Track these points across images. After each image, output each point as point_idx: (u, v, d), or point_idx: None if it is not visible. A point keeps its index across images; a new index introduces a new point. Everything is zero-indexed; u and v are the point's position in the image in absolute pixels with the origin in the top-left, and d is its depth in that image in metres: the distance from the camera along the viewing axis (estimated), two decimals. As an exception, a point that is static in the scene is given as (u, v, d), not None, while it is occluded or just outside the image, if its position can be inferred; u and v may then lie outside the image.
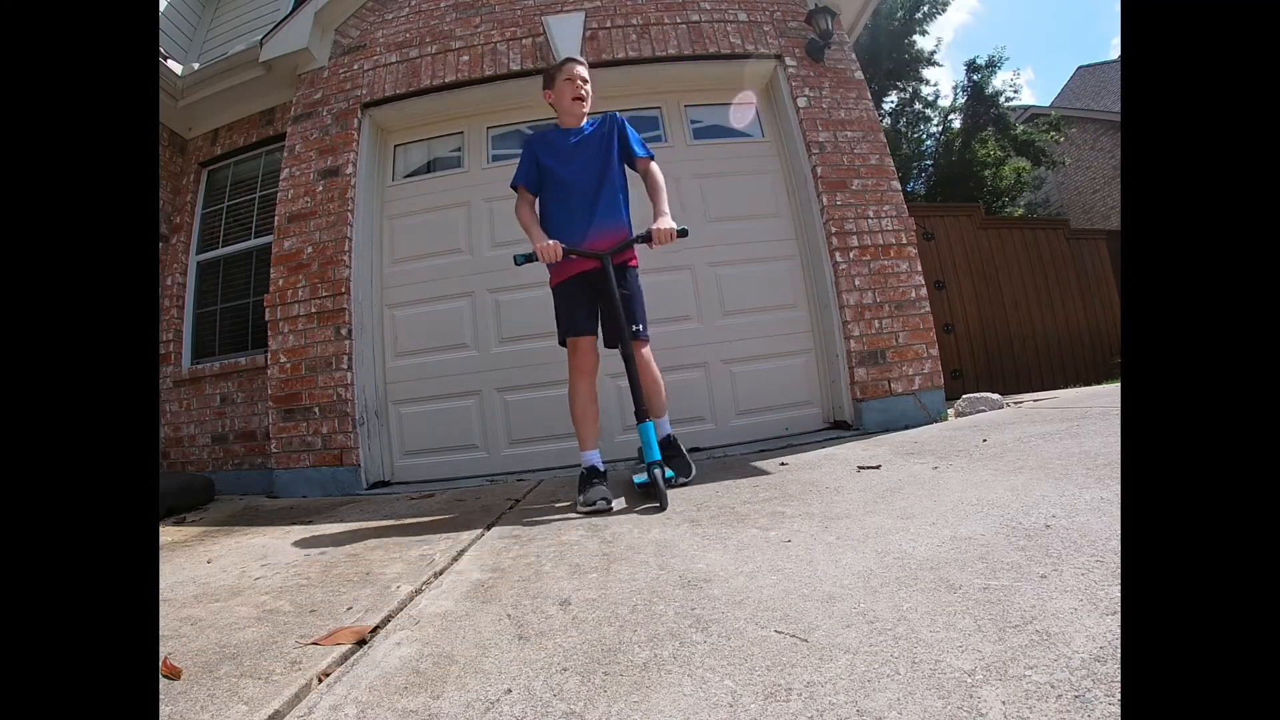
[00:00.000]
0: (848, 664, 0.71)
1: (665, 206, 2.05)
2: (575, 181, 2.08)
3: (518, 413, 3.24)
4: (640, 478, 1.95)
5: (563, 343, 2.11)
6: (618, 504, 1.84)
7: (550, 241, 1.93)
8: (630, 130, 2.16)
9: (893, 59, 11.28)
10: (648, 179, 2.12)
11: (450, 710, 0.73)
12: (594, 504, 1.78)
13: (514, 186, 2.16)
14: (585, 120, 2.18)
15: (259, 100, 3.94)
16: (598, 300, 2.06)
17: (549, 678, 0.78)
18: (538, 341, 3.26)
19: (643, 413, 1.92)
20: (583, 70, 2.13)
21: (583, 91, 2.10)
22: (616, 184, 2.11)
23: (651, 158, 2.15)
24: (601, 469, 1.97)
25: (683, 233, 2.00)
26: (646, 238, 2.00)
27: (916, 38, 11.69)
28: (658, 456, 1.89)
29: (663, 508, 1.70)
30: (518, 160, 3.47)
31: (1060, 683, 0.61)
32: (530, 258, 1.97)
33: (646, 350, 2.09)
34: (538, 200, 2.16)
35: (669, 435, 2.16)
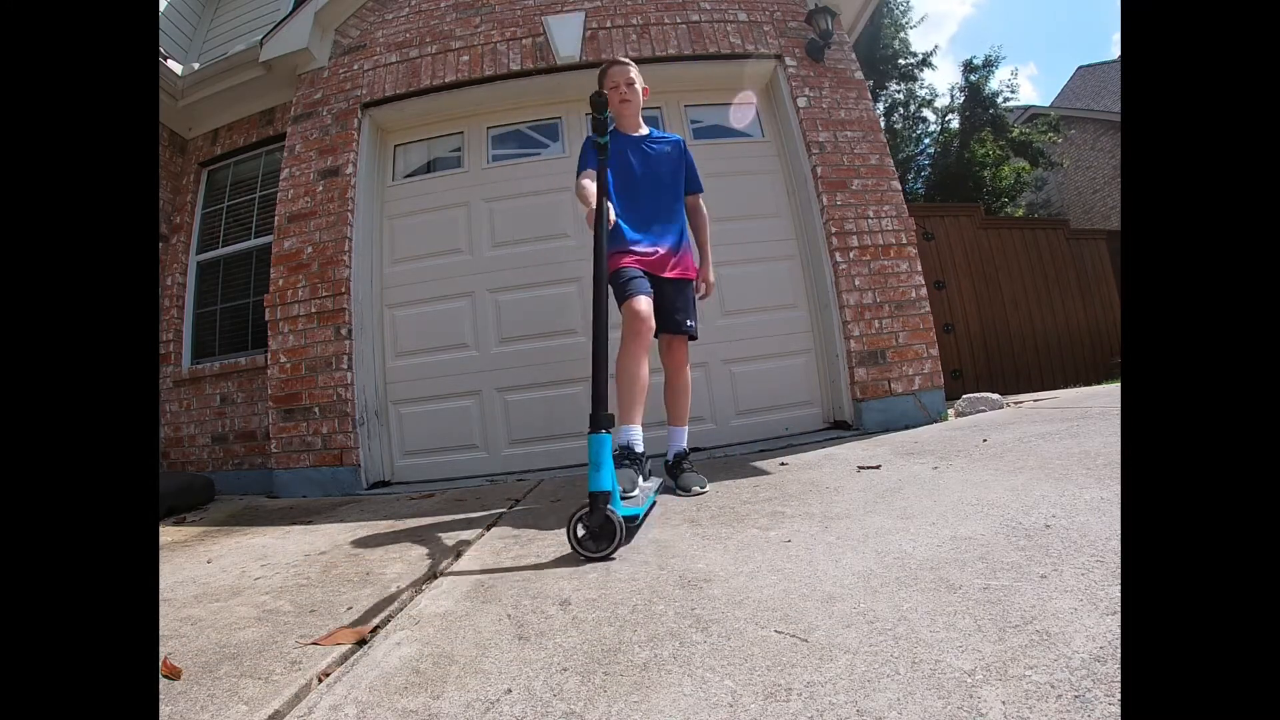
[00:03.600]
0: (848, 664, 0.71)
1: (710, 254, 2.19)
2: (644, 186, 2.08)
3: (518, 413, 3.24)
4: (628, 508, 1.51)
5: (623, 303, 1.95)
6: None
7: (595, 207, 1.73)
8: (693, 161, 2.23)
9: (883, 60, 11.30)
10: (697, 215, 2.22)
11: (450, 710, 0.73)
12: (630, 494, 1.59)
13: (580, 173, 2.04)
14: (645, 126, 2.20)
15: (259, 100, 3.93)
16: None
17: (549, 678, 0.78)
18: (538, 341, 3.26)
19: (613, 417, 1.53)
20: (627, 74, 2.11)
21: (628, 96, 2.10)
22: (683, 211, 2.18)
23: (702, 192, 2.24)
24: (638, 450, 1.78)
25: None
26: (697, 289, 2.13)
27: (906, 35, 11.73)
28: (607, 487, 1.36)
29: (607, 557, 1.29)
30: (518, 160, 3.55)
31: (1060, 683, 0.61)
32: (606, 136, 1.73)
33: (687, 345, 2.10)
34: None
35: (684, 450, 2.07)
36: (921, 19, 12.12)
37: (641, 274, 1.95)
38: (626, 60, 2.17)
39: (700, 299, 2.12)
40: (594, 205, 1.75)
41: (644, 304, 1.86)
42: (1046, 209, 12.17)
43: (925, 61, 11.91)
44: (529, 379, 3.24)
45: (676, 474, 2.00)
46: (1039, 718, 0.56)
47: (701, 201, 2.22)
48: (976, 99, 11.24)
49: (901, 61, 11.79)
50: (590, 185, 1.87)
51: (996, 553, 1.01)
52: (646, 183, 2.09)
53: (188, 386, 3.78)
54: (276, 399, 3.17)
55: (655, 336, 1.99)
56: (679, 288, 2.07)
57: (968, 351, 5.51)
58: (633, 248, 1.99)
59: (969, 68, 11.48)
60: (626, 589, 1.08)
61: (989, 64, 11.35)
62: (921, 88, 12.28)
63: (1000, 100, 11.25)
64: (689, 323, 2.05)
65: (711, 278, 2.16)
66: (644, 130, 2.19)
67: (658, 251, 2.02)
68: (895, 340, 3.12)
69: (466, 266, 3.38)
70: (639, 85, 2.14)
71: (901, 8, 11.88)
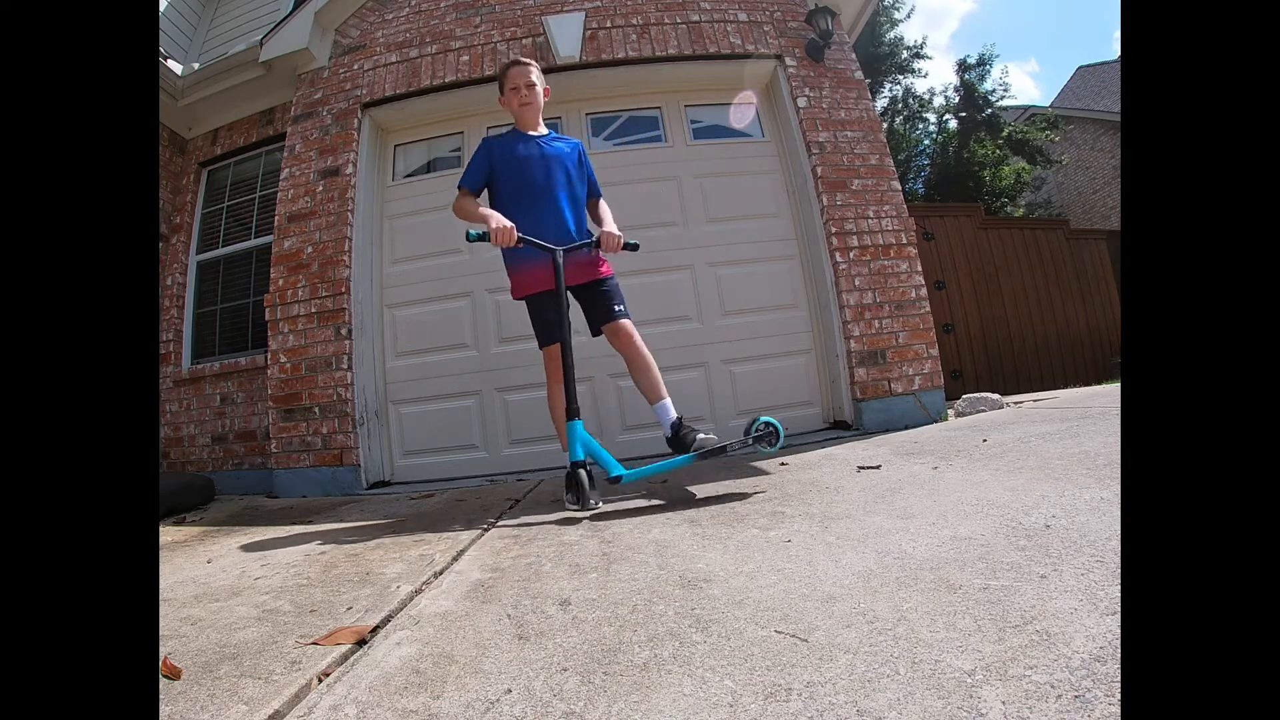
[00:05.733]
0: (848, 664, 0.71)
1: (611, 221, 2.12)
2: (545, 190, 2.05)
3: (518, 413, 3.24)
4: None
5: (542, 348, 2.10)
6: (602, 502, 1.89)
7: (508, 224, 1.89)
8: (591, 167, 2.24)
9: (879, 59, 11.27)
10: (598, 211, 2.19)
11: (450, 710, 0.73)
12: (583, 503, 1.82)
13: (460, 187, 2.12)
14: (545, 128, 2.19)
15: (259, 100, 3.93)
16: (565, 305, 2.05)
17: (549, 678, 0.78)
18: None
19: (574, 410, 1.93)
20: (527, 75, 2.12)
21: (528, 99, 2.12)
22: (583, 213, 2.15)
23: (601, 196, 2.24)
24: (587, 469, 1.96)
25: (632, 246, 2.07)
26: (596, 243, 2.04)
27: (897, 30, 11.71)
28: (580, 457, 1.85)
29: (583, 506, 1.79)
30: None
31: (1060, 683, 0.61)
32: (484, 236, 1.90)
33: (630, 325, 2.05)
34: (492, 204, 2.11)
35: (679, 418, 1.98)
36: (910, 12, 12.07)
37: (552, 306, 1.97)
38: (528, 60, 2.17)
39: (608, 249, 2.03)
40: (493, 226, 1.88)
41: (554, 356, 2.01)
42: (1046, 209, 12.16)
43: (919, 53, 11.87)
44: (529, 379, 3.23)
45: (682, 442, 1.89)
46: (1039, 718, 0.56)
47: (603, 202, 2.21)
48: (971, 99, 11.22)
49: (898, 57, 11.77)
50: (483, 210, 1.98)
51: (996, 553, 1.01)
52: (544, 182, 2.06)
53: (188, 386, 3.78)
54: (276, 399, 3.17)
55: (596, 334, 2.10)
56: (602, 285, 2.07)
57: (968, 351, 5.51)
58: (539, 264, 1.98)
59: (963, 66, 11.46)
60: (626, 589, 1.08)
61: (983, 62, 11.32)
62: (918, 78, 12.25)
63: (994, 99, 11.22)
64: (618, 308, 2.05)
65: (613, 230, 2.06)
66: (543, 130, 2.18)
67: (575, 259, 2.02)
68: (895, 340, 3.12)
69: (466, 266, 3.38)
70: (540, 86, 2.15)
71: (895, 3, 11.85)
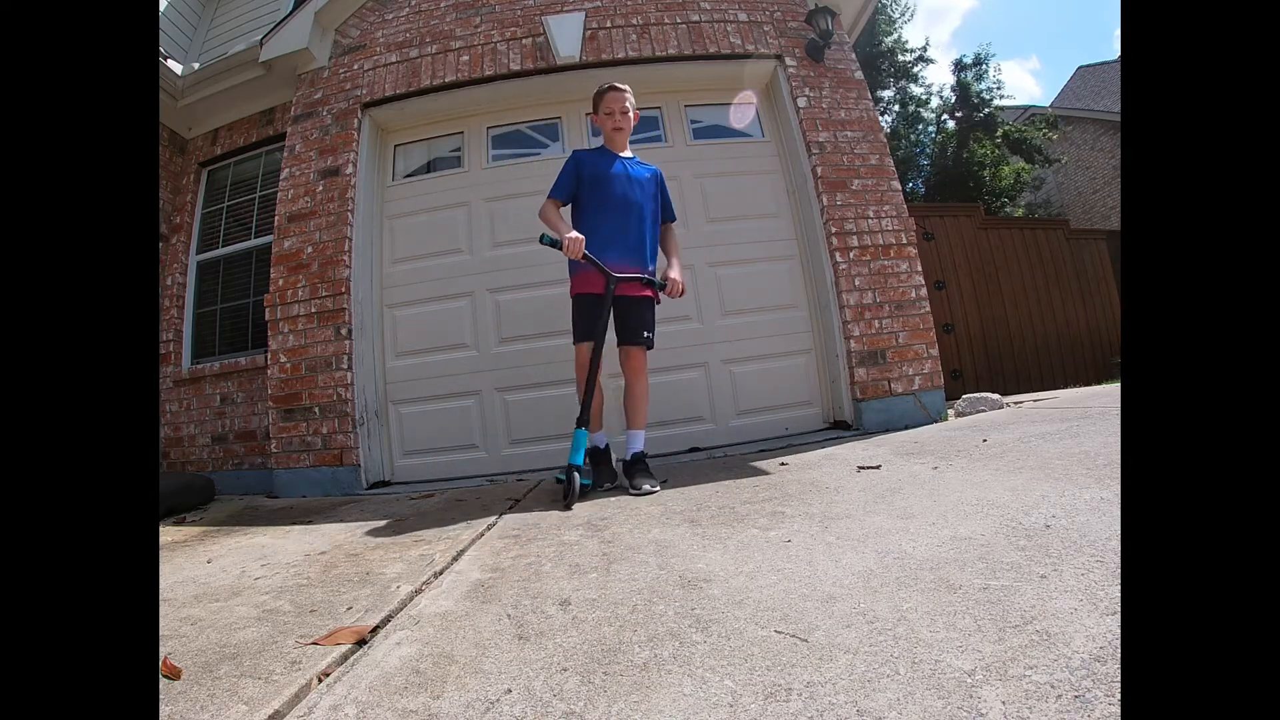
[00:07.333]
0: (848, 664, 0.71)
1: (679, 265, 2.28)
2: (624, 207, 2.21)
3: (518, 413, 3.24)
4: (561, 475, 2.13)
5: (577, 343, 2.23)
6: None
7: (578, 236, 2.04)
8: (668, 192, 2.40)
9: (879, 57, 11.30)
10: (668, 239, 2.36)
11: (450, 710, 0.73)
12: (601, 485, 2.11)
13: (550, 197, 2.26)
14: (630, 151, 2.34)
15: (259, 100, 3.93)
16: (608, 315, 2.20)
17: (549, 678, 0.78)
18: (538, 341, 3.26)
19: (584, 420, 2.05)
20: (622, 102, 2.25)
21: (620, 124, 2.26)
22: (656, 235, 2.30)
23: (674, 221, 2.41)
24: (603, 447, 2.25)
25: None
26: (662, 285, 2.20)
27: (895, 35, 11.73)
28: (580, 461, 1.99)
29: (567, 508, 1.86)
30: (518, 160, 3.55)
31: (1060, 683, 0.61)
32: (556, 244, 2.07)
33: (646, 356, 2.25)
34: (574, 213, 2.29)
35: (641, 452, 2.19)
36: (909, 14, 12.11)
37: (597, 312, 2.10)
38: (624, 87, 2.28)
39: (671, 295, 2.22)
40: (569, 237, 2.03)
41: (584, 352, 2.14)
42: (1046, 209, 12.17)
43: (922, 56, 11.90)
44: (529, 379, 3.24)
45: (631, 474, 2.11)
46: (1039, 718, 0.56)
47: (673, 228, 2.39)
48: (966, 98, 11.24)
49: (900, 59, 11.79)
50: (559, 221, 2.16)
51: (996, 553, 1.01)
52: (624, 199, 2.21)
53: (188, 386, 3.78)
54: (276, 399, 3.17)
55: (619, 344, 2.21)
56: (642, 305, 2.22)
57: (968, 351, 5.51)
58: (597, 258, 2.08)
59: (959, 66, 11.49)
60: (626, 589, 1.08)
61: (979, 62, 11.35)
62: (918, 85, 12.28)
63: (989, 98, 11.25)
64: (646, 334, 2.21)
65: (679, 278, 2.23)
66: (628, 153, 2.33)
67: (625, 266, 2.14)
68: (895, 340, 3.12)
69: (466, 266, 3.38)
70: (632, 113, 2.28)
71: (900, 8, 11.89)
